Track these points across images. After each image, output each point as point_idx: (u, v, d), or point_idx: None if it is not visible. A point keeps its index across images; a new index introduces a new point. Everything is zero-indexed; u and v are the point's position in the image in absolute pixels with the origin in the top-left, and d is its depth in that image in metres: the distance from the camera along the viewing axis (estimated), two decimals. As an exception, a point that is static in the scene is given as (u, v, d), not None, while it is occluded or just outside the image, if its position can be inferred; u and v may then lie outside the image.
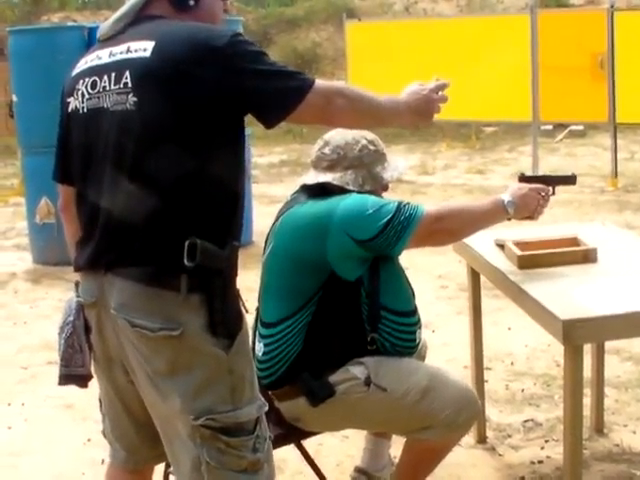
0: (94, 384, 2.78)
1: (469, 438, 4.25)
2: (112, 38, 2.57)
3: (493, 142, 16.32)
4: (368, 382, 3.13)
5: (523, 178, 3.54)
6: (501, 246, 3.72)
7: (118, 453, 2.83)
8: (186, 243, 2.37)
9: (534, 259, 3.49)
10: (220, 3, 2.70)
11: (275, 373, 3.20)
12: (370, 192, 3.23)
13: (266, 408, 2.56)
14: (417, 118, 2.81)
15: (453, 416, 3.17)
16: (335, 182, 3.22)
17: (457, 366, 5.02)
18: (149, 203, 2.41)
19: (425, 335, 3.60)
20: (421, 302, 3.46)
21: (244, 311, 2.55)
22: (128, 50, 2.47)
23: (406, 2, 23.55)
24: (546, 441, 4.31)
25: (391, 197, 3.18)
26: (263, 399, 2.57)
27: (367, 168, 3.28)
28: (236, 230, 2.54)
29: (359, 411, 3.18)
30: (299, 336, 3.16)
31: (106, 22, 2.64)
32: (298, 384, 3.14)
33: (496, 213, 3.28)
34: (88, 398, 2.99)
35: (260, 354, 3.21)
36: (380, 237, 3.06)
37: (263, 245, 3.40)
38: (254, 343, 3.24)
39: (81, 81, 2.57)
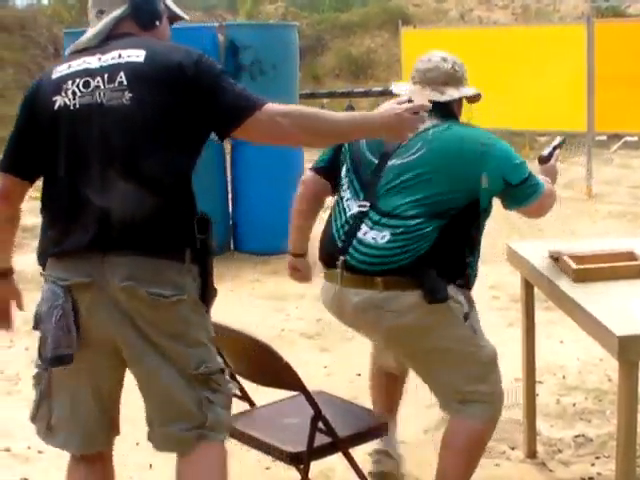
0: (132, 385, 2.85)
1: (519, 452, 4.20)
2: (90, 49, 3.01)
3: (547, 152, 16.14)
4: (466, 317, 3.49)
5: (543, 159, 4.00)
6: (556, 259, 3.68)
7: (71, 438, 3.03)
8: (196, 219, 2.91)
9: (590, 273, 3.45)
10: (168, 26, 3.21)
11: (398, 262, 3.42)
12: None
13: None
14: (387, 133, 3.07)
15: (498, 398, 3.49)
16: (455, 96, 3.69)
17: (507, 379, 4.95)
18: (152, 180, 2.84)
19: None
20: (472, 312, 3.47)
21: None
22: (120, 56, 2.93)
23: (461, 9, 23.43)
24: (597, 457, 4.25)
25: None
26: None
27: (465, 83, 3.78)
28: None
29: (446, 333, 3.47)
30: (430, 237, 3.43)
31: (82, 38, 3.07)
32: (422, 278, 3.39)
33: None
34: (135, 400, 2.98)
35: (382, 241, 3.45)
36: (519, 188, 3.52)
37: (316, 252, 3.62)
38: (355, 232, 3.53)
39: (70, 81, 2.93)
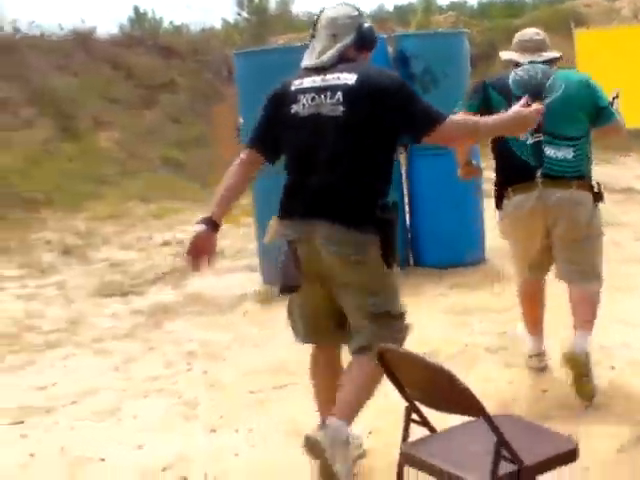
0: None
1: None
2: (319, 69, 4.12)
3: None
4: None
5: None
6: None
7: (304, 335, 4.38)
8: (379, 202, 4.01)
9: None
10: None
11: (580, 170, 5.08)
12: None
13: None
14: (516, 129, 4.34)
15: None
16: (551, 56, 5.32)
17: None
18: (352, 173, 4.00)
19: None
20: None
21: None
22: (338, 78, 4.06)
23: (634, 8, 22.62)
24: None
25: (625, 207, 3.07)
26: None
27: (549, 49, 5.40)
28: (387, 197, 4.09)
29: (597, 222, 5.19)
30: (588, 149, 5.18)
31: (311, 58, 4.17)
32: (592, 182, 5.14)
33: None
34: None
35: (570, 157, 5.04)
36: (603, 111, 5.15)
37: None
38: (541, 153, 5.04)
39: (301, 95, 4.09)
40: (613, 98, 5.31)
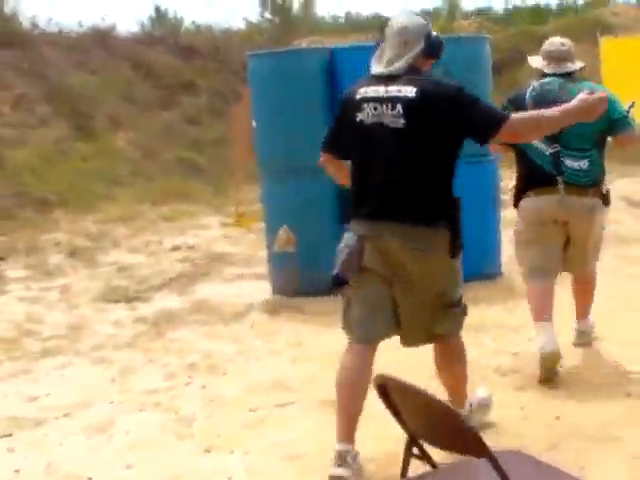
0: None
1: None
2: (384, 78, 4.31)
3: None
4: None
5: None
6: None
7: (362, 332, 4.39)
8: (448, 200, 4.29)
9: None
10: None
11: (593, 178, 5.52)
12: None
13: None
14: (583, 116, 4.41)
15: None
16: (577, 67, 5.65)
17: None
18: (417, 178, 4.24)
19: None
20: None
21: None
22: (399, 91, 4.23)
23: (662, 15, 22.31)
24: None
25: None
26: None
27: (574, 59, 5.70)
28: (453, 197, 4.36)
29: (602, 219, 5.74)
30: (598, 161, 5.59)
31: (380, 66, 4.36)
32: (603, 191, 5.62)
33: None
34: (317, 449, 2.64)
35: (585, 167, 5.47)
36: (617, 122, 5.46)
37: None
38: (559, 163, 5.46)
39: (365, 104, 4.31)
40: (629, 107, 5.52)
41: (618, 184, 10.10)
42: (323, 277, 8.23)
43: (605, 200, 5.66)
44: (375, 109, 4.26)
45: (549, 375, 5.45)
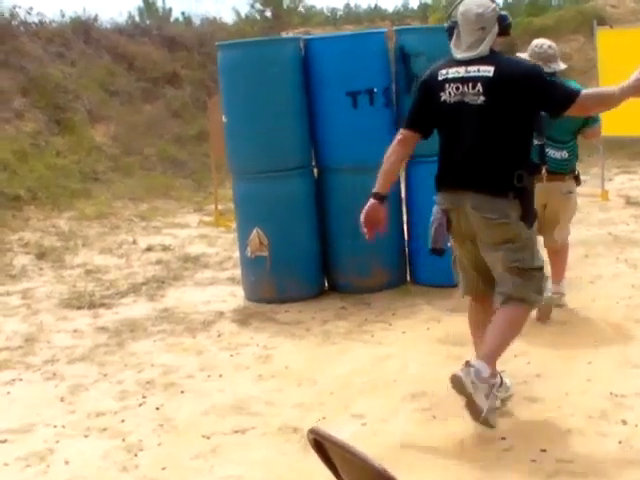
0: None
1: None
2: (463, 61, 4.71)
3: None
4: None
5: None
6: None
7: (465, 288, 5.08)
8: (516, 173, 4.64)
9: None
10: None
11: (570, 166, 6.49)
12: None
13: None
14: (636, 94, 4.58)
15: None
16: (561, 68, 6.34)
17: None
18: (493, 151, 4.66)
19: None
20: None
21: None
22: (478, 70, 4.66)
23: (660, 7, 21.80)
24: None
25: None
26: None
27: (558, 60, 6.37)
28: (528, 168, 4.79)
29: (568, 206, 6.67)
30: (576, 150, 6.53)
31: (461, 51, 4.74)
32: (576, 174, 6.60)
33: None
34: None
35: (565, 156, 6.41)
36: (592, 116, 6.20)
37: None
38: (544, 153, 6.14)
39: (447, 85, 4.72)
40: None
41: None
42: (298, 283, 7.92)
43: (577, 181, 6.63)
44: (457, 89, 4.69)
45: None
